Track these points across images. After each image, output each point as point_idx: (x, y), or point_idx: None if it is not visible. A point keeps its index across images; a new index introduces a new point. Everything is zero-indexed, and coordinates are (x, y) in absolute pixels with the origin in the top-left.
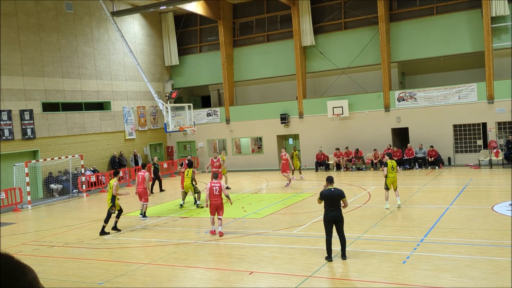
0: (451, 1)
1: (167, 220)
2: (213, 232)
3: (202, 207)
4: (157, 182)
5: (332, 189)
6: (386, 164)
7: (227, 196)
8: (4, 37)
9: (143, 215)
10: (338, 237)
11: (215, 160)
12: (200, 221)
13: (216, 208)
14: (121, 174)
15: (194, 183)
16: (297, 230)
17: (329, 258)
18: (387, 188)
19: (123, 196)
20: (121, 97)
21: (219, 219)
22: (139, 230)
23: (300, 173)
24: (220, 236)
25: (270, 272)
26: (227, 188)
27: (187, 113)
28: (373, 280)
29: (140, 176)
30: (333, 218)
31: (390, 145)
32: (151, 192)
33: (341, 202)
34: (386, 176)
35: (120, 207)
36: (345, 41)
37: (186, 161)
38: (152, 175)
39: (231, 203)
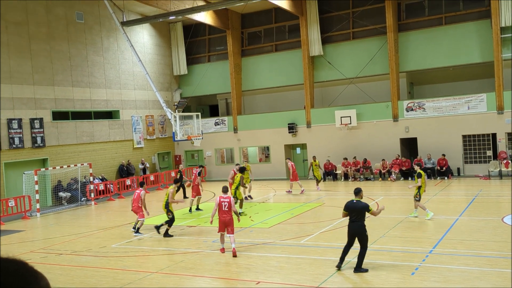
0: (460, 11)
1: (174, 229)
2: (222, 250)
3: (245, 215)
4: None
5: (355, 201)
6: (420, 175)
7: (236, 213)
8: (15, 45)
9: (136, 230)
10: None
11: (236, 172)
12: (208, 230)
13: (225, 224)
14: (178, 182)
15: (238, 192)
16: (305, 240)
17: (339, 264)
18: (420, 199)
19: (178, 203)
20: (130, 106)
21: (231, 236)
22: (146, 239)
23: (317, 185)
24: (234, 255)
25: (277, 282)
26: (249, 197)
27: (195, 122)
28: None
29: (136, 193)
30: (353, 231)
31: (399, 155)
32: (185, 197)
33: (368, 214)
34: (420, 187)
35: (173, 214)
36: (353, 51)
37: (237, 167)
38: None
39: (239, 221)
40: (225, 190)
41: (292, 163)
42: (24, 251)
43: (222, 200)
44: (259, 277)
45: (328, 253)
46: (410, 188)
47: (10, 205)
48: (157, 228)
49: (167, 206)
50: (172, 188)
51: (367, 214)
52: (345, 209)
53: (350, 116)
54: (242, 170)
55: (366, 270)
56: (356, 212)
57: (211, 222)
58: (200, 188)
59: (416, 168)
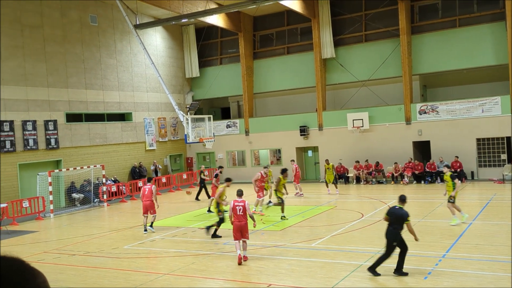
0: (474, 13)
1: (186, 231)
2: (239, 258)
3: (287, 219)
4: (202, 190)
5: (397, 207)
6: (455, 176)
7: (251, 217)
8: (30, 48)
9: (150, 225)
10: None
11: (264, 176)
12: (219, 232)
13: (240, 230)
14: (230, 181)
15: (279, 193)
16: (316, 243)
17: (397, 272)
18: (454, 202)
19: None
20: (143, 108)
21: (244, 241)
22: (158, 240)
23: (327, 187)
24: (245, 260)
25: (288, 285)
26: (269, 203)
27: (207, 124)
28: None
29: (147, 189)
30: (387, 236)
31: (411, 158)
32: (197, 199)
33: (405, 225)
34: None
35: (223, 215)
36: (366, 54)
37: (265, 170)
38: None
39: (254, 226)
40: (239, 193)
41: (297, 165)
42: (37, 252)
43: (236, 204)
44: (270, 280)
45: (339, 256)
46: (445, 194)
47: (24, 206)
48: (207, 228)
49: (218, 205)
50: (222, 187)
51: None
52: (387, 214)
53: (362, 119)
54: (284, 171)
55: (406, 274)
56: (394, 218)
57: (232, 223)
58: (214, 189)
59: (446, 170)
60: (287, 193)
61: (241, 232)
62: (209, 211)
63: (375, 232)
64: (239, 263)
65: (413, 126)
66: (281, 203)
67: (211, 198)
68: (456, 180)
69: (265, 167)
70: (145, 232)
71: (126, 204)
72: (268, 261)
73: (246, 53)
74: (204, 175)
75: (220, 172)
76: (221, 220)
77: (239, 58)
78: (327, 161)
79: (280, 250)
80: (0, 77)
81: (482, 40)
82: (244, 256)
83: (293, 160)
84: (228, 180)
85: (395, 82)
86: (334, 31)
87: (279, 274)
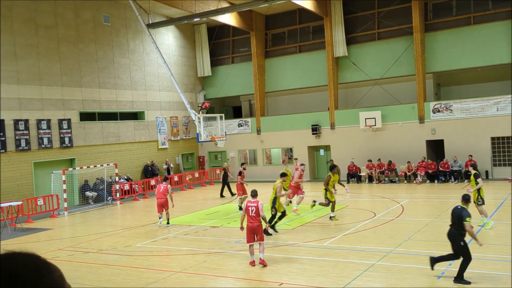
0: (489, 11)
1: (198, 229)
2: (252, 264)
3: (336, 219)
4: (225, 187)
5: (459, 207)
6: (477, 175)
7: (264, 219)
8: (45, 48)
9: (167, 223)
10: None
11: (302, 173)
12: (231, 231)
13: (253, 231)
14: (285, 176)
15: (329, 193)
16: (328, 242)
17: (458, 280)
18: (483, 203)
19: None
20: (155, 107)
21: (260, 244)
22: (170, 238)
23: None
24: (263, 265)
25: (300, 284)
26: (315, 202)
27: (219, 123)
28: None
29: (162, 187)
30: (448, 236)
31: (425, 157)
32: (222, 196)
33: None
34: (479, 189)
35: (284, 209)
36: (379, 52)
37: (302, 167)
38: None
39: (267, 228)
40: (253, 194)
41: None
42: (52, 249)
43: (249, 204)
44: (282, 279)
45: (351, 255)
46: (470, 192)
47: (39, 203)
48: (273, 227)
49: (274, 201)
50: (279, 182)
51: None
52: (451, 213)
53: (374, 118)
54: (332, 168)
55: (468, 282)
56: (455, 218)
57: (242, 228)
58: (243, 187)
59: (471, 169)
60: (335, 192)
61: (254, 234)
62: (241, 208)
63: (387, 231)
64: (253, 265)
65: (426, 125)
66: (327, 203)
67: (242, 196)
68: (479, 180)
69: (301, 164)
70: (160, 219)
71: (139, 202)
72: (280, 260)
73: (258, 51)
74: (227, 172)
75: (244, 169)
76: (274, 216)
77: (251, 57)
78: (331, 161)
79: (292, 249)
80: (0, 77)
81: (497, 38)
82: (260, 259)
83: (297, 159)
84: (283, 175)
85: (408, 81)
86: (346, 29)
87: (291, 273)
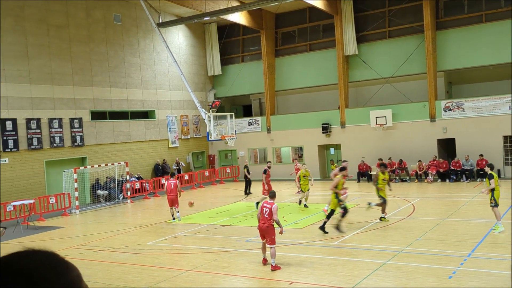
0: (501, 8)
1: (208, 228)
2: (264, 261)
3: (387, 220)
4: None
5: None
6: (491, 176)
7: (278, 222)
8: (56, 48)
9: (178, 217)
10: None
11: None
12: (241, 229)
13: (263, 232)
14: (345, 170)
15: (381, 192)
16: (338, 241)
17: None
18: (496, 205)
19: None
20: (165, 106)
21: (271, 247)
22: (181, 237)
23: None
24: (273, 270)
25: (310, 282)
26: (305, 206)
27: (229, 122)
28: None
29: (172, 184)
30: None
31: (436, 156)
32: (246, 193)
33: None
34: (493, 190)
35: (341, 206)
36: (389, 50)
37: (346, 164)
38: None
39: (281, 232)
40: (272, 195)
41: (299, 167)
42: (64, 247)
43: (265, 205)
44: (292, 277)
45: (362, 254)
46: (484, 192)
47: (51, 202)
48: (337, 227)
49: (337, 196)
50: (339, 177)
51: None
52: None
53: (385, 116)
54: (384, 166)
55: None
56: None
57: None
58: (268, 187)
59: (487, 169)
60: (390, 189)
61: (264, 235)
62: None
63: (398, 230)
64: (265, 263)
65: (437, 124)
66: (383, 203)
67: (263, 195)
68: (492, 181)
69: (344, 161)
70: (173, 220)
71: (149, 201)
72: (290, 258)
73: (268, 50)
74: (248, 170)
75: (269, 167)
76: (345, 210)
77: (261, 56)
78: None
79: (302, 247)
80: (0, 76)
81: (509, 36)
82: (272, 266)
83: (296, 159)
84: (343, 169)
85: (419, 79)
86: (357, 28)
87: (301, 271)
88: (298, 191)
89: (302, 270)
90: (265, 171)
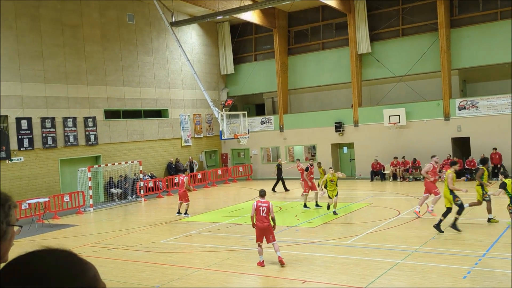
0: None
1: (221, 226)
2: (261, 264)
3: (496, 221)
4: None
5: None
6: (503, 185)
7: (273, 219)
8: (71, 47)
9: (185, 212)
10: None
11: (436, 166)
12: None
13: (263, 232)
14: (456, 164)
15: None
16: (351, 240)
17: None
18: (489, 200)
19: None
20: (178, 105)
21: (273, 244)
22: (193, 235)
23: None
24: (282, 264)
25: (323, 281)
26: (316, 205)
27: (242, 121)
28: None
29: (181, 179)
30: None
31: (450, 155)
32: (274, 191)
33: None
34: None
35: (456, 203)
36: (403, 48)
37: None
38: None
39: (274, 228)
40: (262, 193)
41: (302, 167)
42: (78, 245)
43: (259, 204)
44: (305, 276)
45: (375, 254)
46: (496, 195)
47: (65, 200)
48: (454, 225)
49: (451, 192)
50: (450, 172)
51: None
52: None
53: (399, 115)
54: (453, 163)
55: None
56: None
57: (254, 226)
58: (311, 184)
59: (501, 177)
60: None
61: (264, 235)
62: (305, 206)
63: (412, 230)
64: (261, 266)
65: (452, 122)
66: (488, 199)
67: (304, 193)
68: (499, 190)
69: (433, 156)
70: (178, 214)
71: (163, 199)
72: (302, 257)
73: (280, 49)
74: (280, 167)
75: (311, 164)
76: (461, 207)
77: (274, 54)
78: (319, 163)
79: (315, 246)
80: (0, 76)
81: None
82: (279, 257)
83: (298, 159)
84: (453, 164)
85: (433, 77)
86: (370, 26)
87: (314, 271)
88: (303, 193)
89: (314, 269)
90: (307, 169)
